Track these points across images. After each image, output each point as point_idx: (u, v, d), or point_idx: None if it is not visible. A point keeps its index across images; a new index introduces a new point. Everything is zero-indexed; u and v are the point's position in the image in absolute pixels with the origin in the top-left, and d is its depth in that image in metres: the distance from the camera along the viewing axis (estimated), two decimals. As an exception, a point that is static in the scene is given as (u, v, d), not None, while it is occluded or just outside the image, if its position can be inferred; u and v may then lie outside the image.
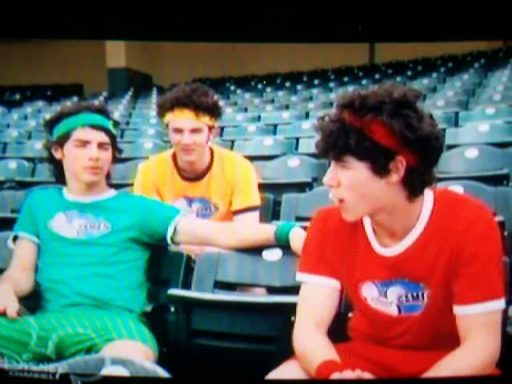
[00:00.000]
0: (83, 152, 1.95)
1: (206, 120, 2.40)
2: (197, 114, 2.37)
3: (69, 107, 2.03)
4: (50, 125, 2.03)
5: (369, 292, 1.51)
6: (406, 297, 1.46)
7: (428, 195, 1.45)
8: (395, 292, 1.47)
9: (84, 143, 1.95)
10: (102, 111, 2.02)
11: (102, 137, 1.97)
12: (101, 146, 1.97)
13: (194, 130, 2.39)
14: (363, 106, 1.34)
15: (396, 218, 1.43)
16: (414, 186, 1.38)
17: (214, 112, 2.42)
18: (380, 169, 1.35)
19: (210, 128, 2.43)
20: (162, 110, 2.43)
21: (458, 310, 1.40)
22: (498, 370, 1.42)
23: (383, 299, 1.49)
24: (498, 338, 1.39)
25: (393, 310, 1.49)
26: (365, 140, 1.33)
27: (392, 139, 1.33)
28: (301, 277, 1.56)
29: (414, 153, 1.35)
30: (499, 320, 1.40)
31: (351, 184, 1.37)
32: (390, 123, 1.32)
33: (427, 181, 1.40)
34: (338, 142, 1.35)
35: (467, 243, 1.38)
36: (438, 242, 1.41)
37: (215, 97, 2.48)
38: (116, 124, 2.06)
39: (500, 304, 1.39)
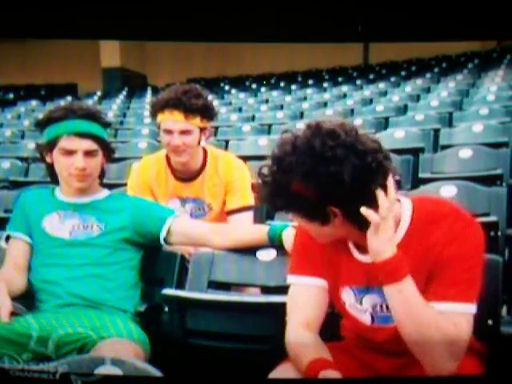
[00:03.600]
0: (69, 161, 1.92)
1: (196, 122, 2.39)
2: (186, 116, 2.36)
3: (57, 112, 1.97)
4: (41, 127, 2.00)
5: (347, 297, 1.50)
6: (381, 307, 1.45)
7: (406, 203, 1.45)
8: (370, 300, 1.46)
9: (70, 152, 1.92)
10: (90, 116, 1.97)
11: (89, 144, 1.93)
12: (88, 153, 1.93)
13: (184, 132, 2.38)
14: (282, 168, 1.33)
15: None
16: (359, 221, 1.36)
17: (205, 114, 2.41)
18: (314, 219, 1.37)
19: (202, 129, 2.43)
20: (154, 111, 2.44)
21: None
22: (483, 368, 1.42)
23: (358, 306, 1.49)
24: (467, 336, 1.36)
25: (366, 318, 1.48)
26: (291, 196, 1.33)
27: (315, 192, 1.32)
28: (290, 278, 1.57)
29: (344, 201, 1.33)
30: (469, 324, 1.36)
31: (308, 227, 1.41)
32: (309, 181, 1.31)
33: (372, 205, 1.35)
34: (272, 204, 1.38)
35: (448, 253, 1.37)
36: (417, 252, 1.40)
37: (209, 98, 2.47)
38: (106, 126, 2.01)
39: (470, 308, 1.36)
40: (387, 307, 1.43)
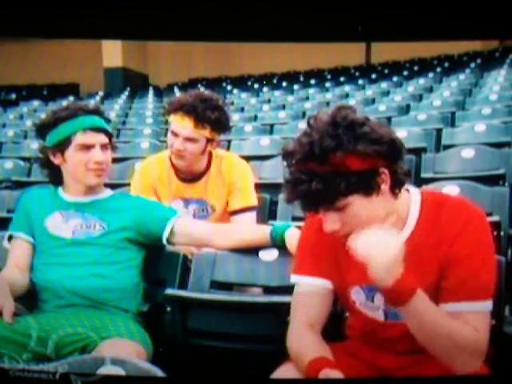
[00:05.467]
0: (87, 156, 1.94)
1: (204, 132, 2.38)
2: (196, 125, 2.35)
3: (64, 111, 1.98)
4: (45, 130, 1.99)
5: (357, 296, 1.50)
6: None
7: (415, 196, 1.46)
8: (382, 297, 1.45)
9: (87, 147, 1.94)
10: (98, 112, 2.01)
11: (103, 138, 1.96)
12: (103, 147, 1.96)
13: (189, 139, 2.38)
14: (325, 149, 1.32)
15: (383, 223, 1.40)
16: (399, 185, 1.40)
17: (216, 127, 2.39)
18: (370, 190, 1.35)
19: (209, 140, 2.42)
20: (168, 109, 2.43)
21: (443, 308, 1.38)
22: (487, 368, 1.42)
23: (370, 304, 1.49)
24: (487, 334, 1.37)
25: (379, 316, 1.48)
26: (347, 177, 1.32)
27: (368, 161, 1.33)
28: (294, 278, 1.56)
29: (389, 159, 1.36)
30: (487, 321, 1.38)
31: (354, 218, 1.36)
32: (358, 149, 1.32)
33: (406, 173, 1.42)
34: (325, 195, 1.33)
35: (459, 245, 1.38)
36: (427, 245, 1.40)
37: (225, 112, 2.43)
38: (108, 121, 2.04)
39: (486, 305, 1.37)
40: None
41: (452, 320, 1.34)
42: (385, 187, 1.37)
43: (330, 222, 1.38)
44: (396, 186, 1.40)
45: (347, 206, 1.34)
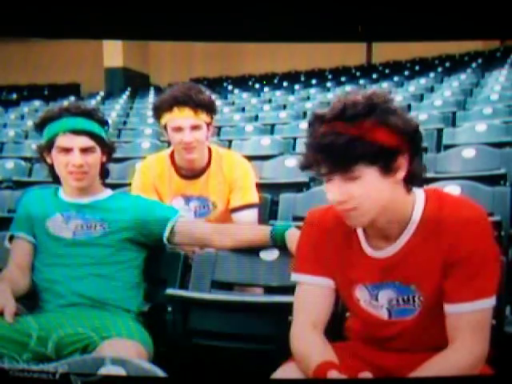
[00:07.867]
0: (67, 158, 1.93)
1: (203, 117, 2.41)
2: (196, 112, 2.38)
3: (51, 111, 1.99)
4: (39, 129, 2.01)
5: (361, 294, 1.51)
6: (397, 300, 1.46)
7: (419, 195, 1.46)
8: (386, 295, 1.47)
9: (66, 150, 1.93)
10: (85, 113, 1.97)
11: (85, 141, 1.94)
12: (84, 150, 1.94)
13: (195, 127, 2.39)
14: (357, 113, 1.33)
15: (391, 217, 1.42)
16: (414, 178, 1.41)
17: (211, 108, 2.44)
18: (388, 169, 1.35)
19: (208, 125, 2.45)
20: (160, 111, 2.43)
21: (447, 308, 1.40)
22: (489, 369, 1.43)
23: (374, 302, 1.49)
24: (486, 337, 1.39)
25: (383, 314, 1.49)
26: (371, 145, 1.32)
27: (394, 137, 1.34)
28: (296, 277, 1.56)
29: (412, 146, 1.37)
30: (489, 319, 1.40)
31: (364, 192, 1.36)
32: (389, 122, 1.33)
33: (423, 171, 1.43)
34: (347, 155, 1.32)
35: (461, 243, 1.38)
36: (430, 243, 1.41)
37: (209, 93, 2.50)
38: (103, 123, 2.01)
39: (490, 302, 1.39)
40: (403, 300, 1.45)
41: (445, 363, 1.36)
42: (400, 175, 1.37)
43: (338, 192, 1.36)
44: (411, 180, 1.40)
45: (360, 177, 1.34)
